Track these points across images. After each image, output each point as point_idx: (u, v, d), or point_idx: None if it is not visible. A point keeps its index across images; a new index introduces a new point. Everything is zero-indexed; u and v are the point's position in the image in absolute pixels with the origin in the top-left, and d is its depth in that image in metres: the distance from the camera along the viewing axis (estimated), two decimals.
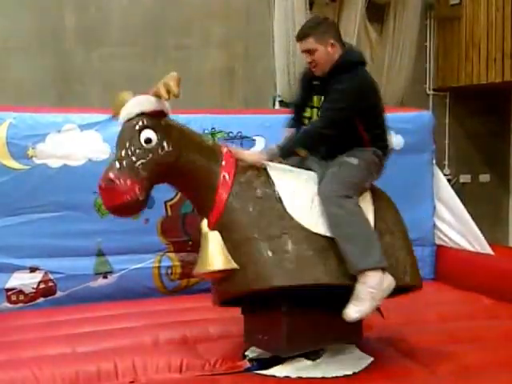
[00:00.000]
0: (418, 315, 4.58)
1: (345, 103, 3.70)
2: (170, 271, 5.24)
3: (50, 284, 4.99)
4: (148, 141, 3.44)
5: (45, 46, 5.63)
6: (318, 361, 3.74)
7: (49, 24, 5.64)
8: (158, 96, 3.47)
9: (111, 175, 3.34)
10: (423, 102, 6.57)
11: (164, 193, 5.17)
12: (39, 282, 4.97)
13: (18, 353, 3.88)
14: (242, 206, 3.60)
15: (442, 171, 6.24)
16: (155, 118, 3.50)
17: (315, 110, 4.07)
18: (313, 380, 3.59)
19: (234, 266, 3.52)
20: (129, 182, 3.33)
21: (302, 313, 3.64)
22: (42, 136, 4.99)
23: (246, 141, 5.30)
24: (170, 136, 3.51)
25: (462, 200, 5.81)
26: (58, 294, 5.01)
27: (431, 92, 6.71)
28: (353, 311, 3.50)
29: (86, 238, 5.04)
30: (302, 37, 3.82)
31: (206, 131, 5.32)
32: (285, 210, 3.60)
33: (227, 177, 3.62)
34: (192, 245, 5.08)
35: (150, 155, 3.43)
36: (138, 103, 3.52)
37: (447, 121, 6.74)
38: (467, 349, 3.99)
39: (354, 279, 3.52)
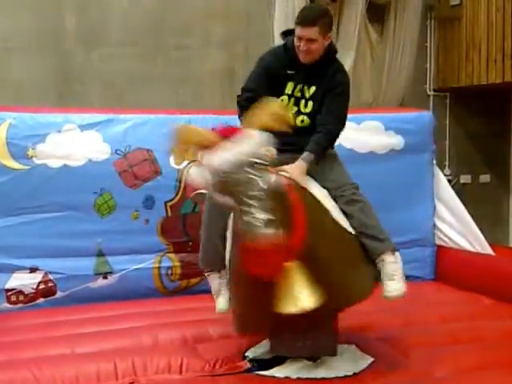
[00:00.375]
0: (418, 316, 4.57)
1: (347, 95, 3.89)
2: (170, 272, 5.23)
3: (50, 284, 4.99)
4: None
5: (45, 46, 5.62)
6: (318, 361, 3.73)
7: (49, 24, 5.63)
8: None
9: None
10: (423, 103, 6.56)
11: (164, 193, 5.19)
12: (39, 283, 4.97)
13: (18, 353, 3.88)
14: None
15: (443, 171, 6.23)
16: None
17: (292, 99, 3.86)
18: (313, 380, 3.59)
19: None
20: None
21: None
22: (42, 136, 4.99)
23: None
24: None
25: (462, 200, 5.80)
26: (58, 294, 5.01)
27: (431, 92, 6.70)
28: (398, 287, 3.68)
29: (86, 238, 5.04)
30: (307, 24, 3.72)
31: None
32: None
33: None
34: (192, 245, 5.08)
35: None
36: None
37: (447, 121, 6.74)
38: (468, 349, 3.99)
39: None
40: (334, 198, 3.76)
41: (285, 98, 3.85)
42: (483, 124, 6.77)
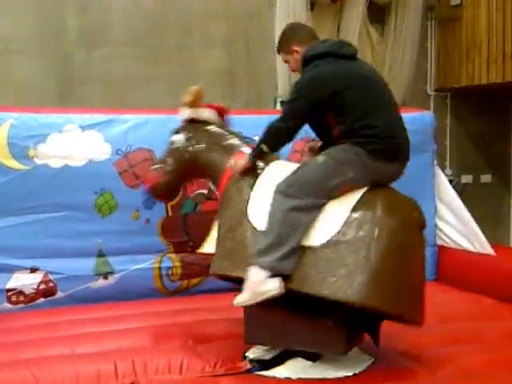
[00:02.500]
0: None
1: (296, 94, 3.78)
2: (170, 272, 5.23)
3: (51, 284, 4.98)
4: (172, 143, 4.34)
5: (46, 47, 5.63)
6: (318, 361, 3.72)
7: (50, 25, 5.64)
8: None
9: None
10: (424, 103, 6.57)
11: None
12: (40, 283, 4.96)
13: (18, 353, 3.88)
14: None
15: (444, 172, 6.23)
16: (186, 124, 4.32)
17: None
18: (313, 381, 3.58)
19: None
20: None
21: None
22: (43, 136, 4.98)
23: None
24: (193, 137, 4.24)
25: (463, 200, 5.81)
26: (59, 294, 5.00)
27: (432, 92, 6.71)
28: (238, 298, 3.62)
29: (87, 238, 5.03)
30: (277, 52, 4.14)
31: None
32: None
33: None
34: (192, 245, 5.08)
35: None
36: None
37: (448, 121, 6.75)
38: (469, 349, 3.98)
39: None
40: None
41: None
42: (484, 124, 6.78)
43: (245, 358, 3.85)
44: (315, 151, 4.02)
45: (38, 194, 4.95)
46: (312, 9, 6.04)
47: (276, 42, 4.20)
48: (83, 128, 5.10)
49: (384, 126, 3.76)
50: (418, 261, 3.67)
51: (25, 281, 4.93)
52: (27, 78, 5.58)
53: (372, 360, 3.81)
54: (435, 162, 5.89)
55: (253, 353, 3.89)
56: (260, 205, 3.68)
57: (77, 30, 5.70)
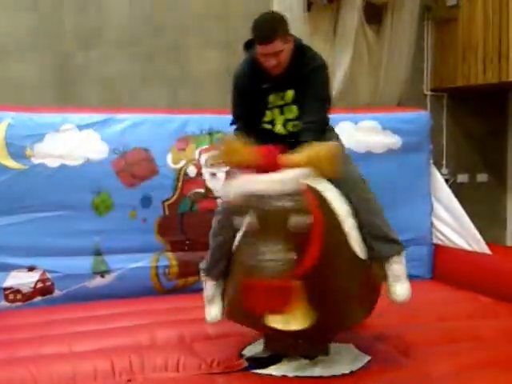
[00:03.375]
0: (415, 314, 4.57)
1: (327, 80, 3.80)
2: (167, 271, 5.24)
3: (48, 283, 5.00)
4: None
5: (44, 46, 5.62)
6: (315, 360, 3.73)
7: (48, 24, 5.63)
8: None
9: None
10: (421, 102, 6.56)
11: (162, 192, 5.20)
12: (37, 281, 4.97)
13: (16, 351, 3.89)
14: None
15: (440, 171, 6.24)
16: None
17: (276, 110, 3.76)
18: (310, 379, 3.59)
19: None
20: None
21: None
22: (40, 136, 5.00)
23: None
24: None
25: (459, 199, 5.82)
26: (56, 293, 5.02)
27: (428, 92, 6.71)
28: (405, 289, 3.71)
29: (84, 237, 5.05)
30: (268, 40, 3.56)
31: (204, 132, 5.34)
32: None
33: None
34: (189, 244, 5.10)
35: None
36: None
37: (444, 121, 6.75)
38: (465, 348, 4.00)
39: None
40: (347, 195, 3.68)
41: (269, 112, 3.78)
42: (480, 124, 6.79)
43: (241, 356, 3.86)
44: None
45: (35, 193, 4.97)
46: (309, 9, 6.04)
47: (268, 29, 3.63)
48: (80, 127, 5.12)
49: None
50: None
51: (22, 279, 4.94)
52: (24, 77, 5.57)
53: (369, 358, 3.82)
54: (431, 161, 5.92)
55: (249, 351, 3.91)
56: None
57: (74, 30, 5.70)
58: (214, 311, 3.88)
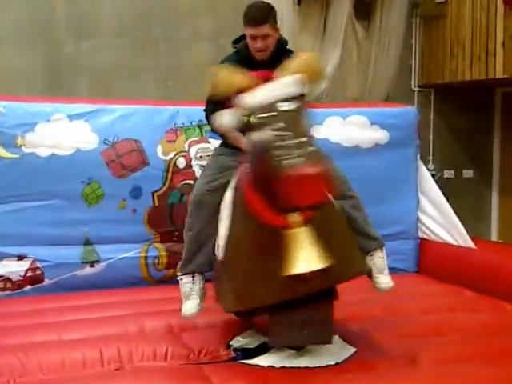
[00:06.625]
0: (400, 307, 4.63)
1: None
2: (156, 261, 5.28)
3: (38, 272, 5.02)
4: None
5: (35, 36, 5.63)
6: (301, 351, 3.76)
7: (39, 14, 5.64)
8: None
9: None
10: (408, 98, 6.61)
11: (151, 183, 5.23)
12: (27, 270, 5.00)
13: (5, 339, 3.92)
14: None
15: (427, 166, 6.29)
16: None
17: None
18: (296, 370, 3.61)
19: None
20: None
21: None
22: (31, 125, 5.02)
23: None
24: None
25: (445, 195, 5.88)
26: (46, 281, 5.05)
27: (416, 88, 6.75)
28: (389, 280, 3.96)
29: (74, 226, 5.09)
30: (259, 23, 3.84)
31: (194, 123, 5.36)
32: None
33: None
34: (178, 235, 5.12)
35: None
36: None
37: (432, 117, 6.80)
38: (449, 340, 4.04)
39: None
40: None
41: None
42: (467, 120, 6.84)
43: (229, 346, 3.89)
44: None
45: (25, 182, 4.99)
46: (299, 3, 6.07)
47: (260, 13, 3.91)
48: (71, 117, 5.14)
49: None
50: None
51: (12, 268, 4.97)
52: (16, 67, 5.58)
53: (354, 350, 3.86)
54: (418, 156, 5.97)
55: (237, 341, 3.94)
56: None
57: (65, 20, 5.71)
58: (190, 306, 3.93)
